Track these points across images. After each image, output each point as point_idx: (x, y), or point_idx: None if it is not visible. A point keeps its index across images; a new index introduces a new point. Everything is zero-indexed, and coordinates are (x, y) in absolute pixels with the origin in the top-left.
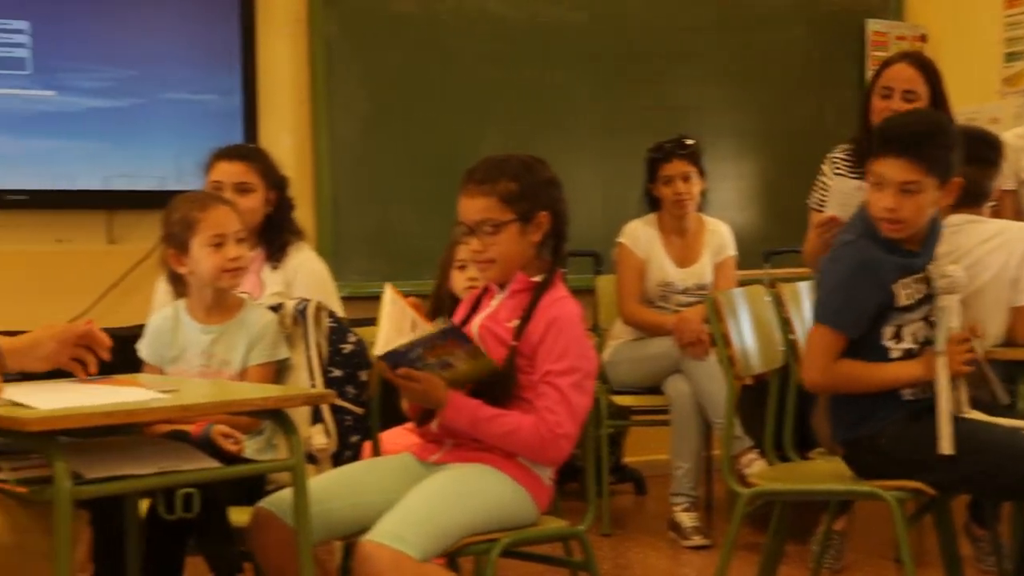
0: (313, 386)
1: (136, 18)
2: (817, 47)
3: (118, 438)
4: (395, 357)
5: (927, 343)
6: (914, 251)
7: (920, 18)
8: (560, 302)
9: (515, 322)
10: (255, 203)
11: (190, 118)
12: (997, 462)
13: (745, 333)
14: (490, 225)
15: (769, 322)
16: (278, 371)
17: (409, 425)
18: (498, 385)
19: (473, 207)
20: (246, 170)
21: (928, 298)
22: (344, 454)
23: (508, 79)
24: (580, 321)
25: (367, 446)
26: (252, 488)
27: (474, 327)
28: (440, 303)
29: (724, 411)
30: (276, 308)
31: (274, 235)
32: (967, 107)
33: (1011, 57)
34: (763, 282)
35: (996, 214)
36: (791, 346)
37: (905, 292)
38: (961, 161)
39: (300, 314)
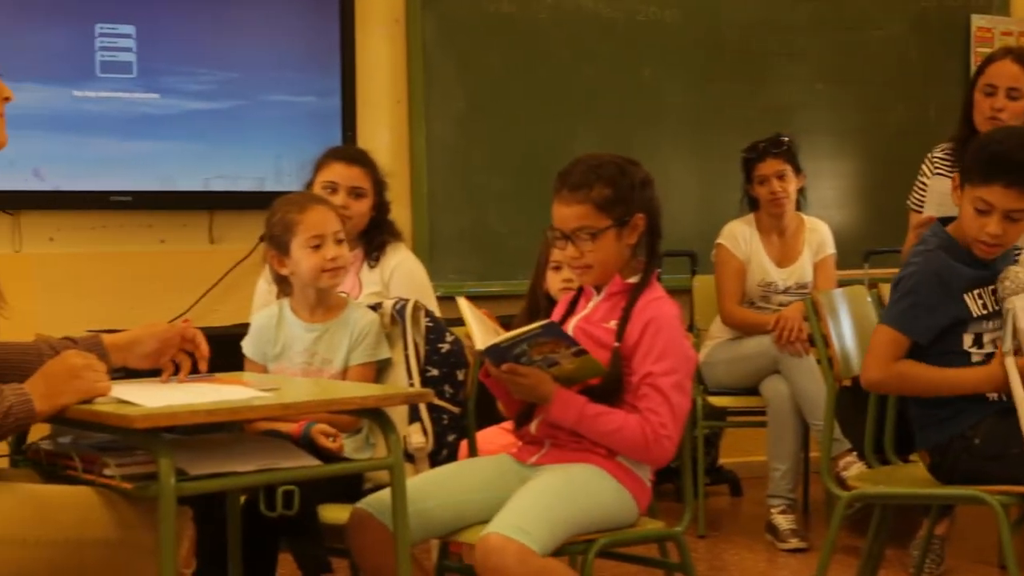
0: (411, 385)
1: (237, 22)
2: (919, 43)
3: (220, 435)
4: (498, 352)
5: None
6: (988, 263)
7: None
8: (657, 302)
9: (613, 323)
10: (365, 207)
11: (289, 119)
12: None
13: (845, 334)
14: (587, 232)
15: (869, 322)
16: (379, 371)
17: (505, 425)
18: (607, 387)
19: (568, 215)
20: (362, 174)
21: None
22: (441, 453)
23: (603, 78)
24: (678, 321)
25: (463, 445)
26: (350, 487)
27: (569, 329)
28: (535, 304)
29: (823, 413)
30: (375, 308)
31: (373, 236)
32: None
33: None
34: (863, 282)
35: None
36: None
37: (979, 303)
38: None
39: (398, 313)
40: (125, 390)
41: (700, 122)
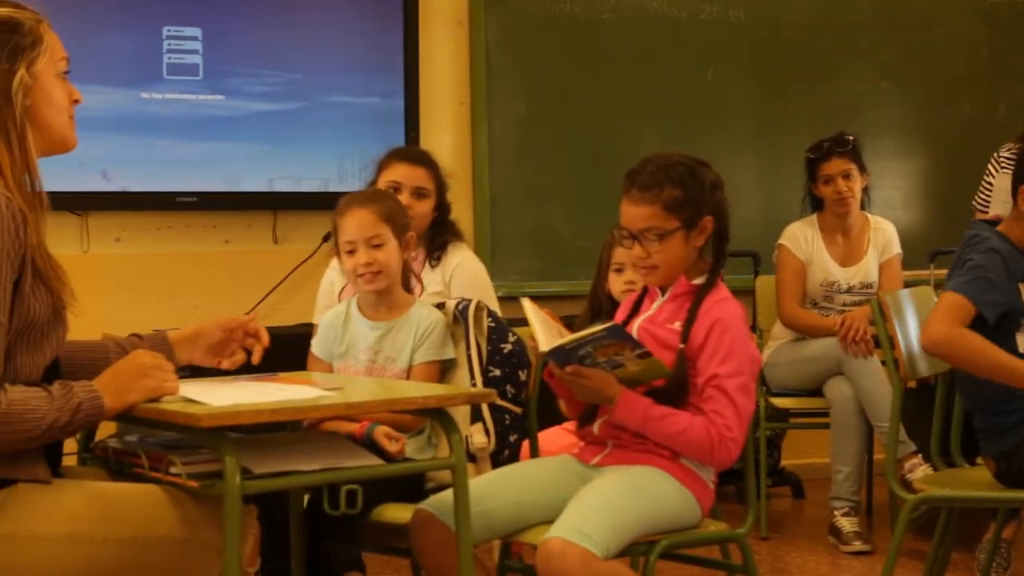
0: (473, 385)
1: (301, 24)
2: (987, 40)
3: (284, 434)
4: (563, 354)
5: None
6: None
7: None
8: (722, 303)
9: (678, 324)
10: (428, 208)
11: (353, 120)
12: None
13: (912, 335)
14: (655, 233)
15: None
16: (443, 371)
17: (567, 425)
18: (672, 388)
19: (637, 214)
20: (425, 175)
21: None
22: (503, 453)
23: (666, 78)
24: (743, 322)
25: (525, 446)
26: (412, 487)
27: (633, 330)
28: (597, 305)
29: (888, 414)
30: (437, 308)
31: (435, 236)
32: None
33: None
34: (929, 283)
35: None
36: None
37: None
38: None
39: (460, 313)
40: (191, 389)
41: (763, 122)
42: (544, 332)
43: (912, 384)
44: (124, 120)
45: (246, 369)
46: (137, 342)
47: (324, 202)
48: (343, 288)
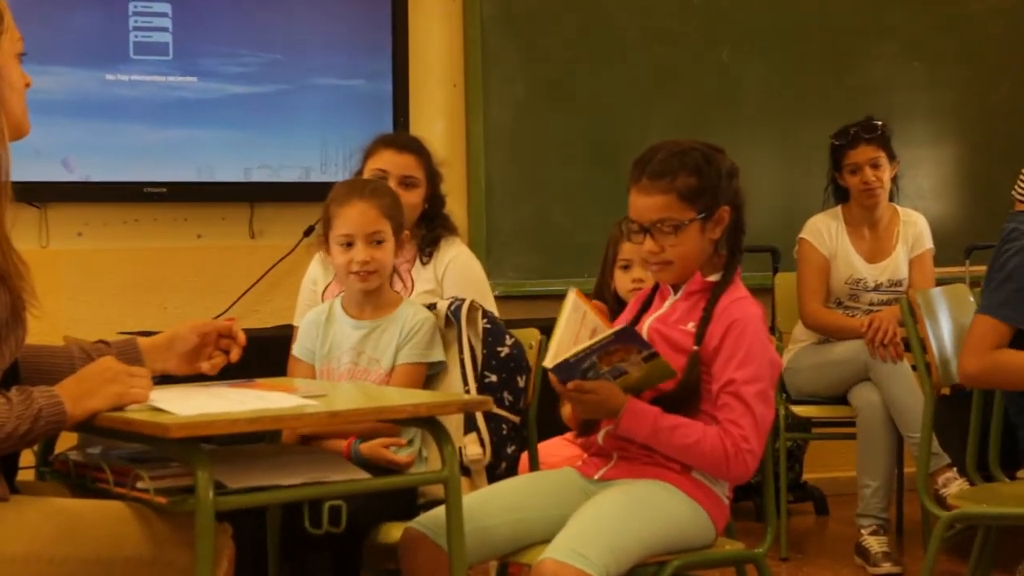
0: (467, 392)
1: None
2: None
3: (262, 446)
4: (566, 370)
5: None
6: None
7: None
8: (740, 303)
9: (691, 325)
10: (417, 199)
11: (337, 104)
12: None
13: (945, 337)
14: (669, 225)
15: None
16: (431, 376)
17: (569, 435)
18: (682, 394)
19: (649, 205)
20: (414, 163)
21: None
22: (499, 466)
23: (678, 59)
24: (762, 323)
25: (524, 458)
26: (402, 503)
27: (643, 329)
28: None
29: (919, 424)
30: (428, 308)
31: (426, 230)
32: None
33: None
34: (964, 280)
35: None
36: None
37: None
38: None
39: (453, 314)
40: (161, 396)
41: (783, 106)
42: (563, 337)
43: (946, 391)
44: (87, 104)
45: (224, 372)
46: (104, 349)
47: (305, 193)
48: (327, 287)
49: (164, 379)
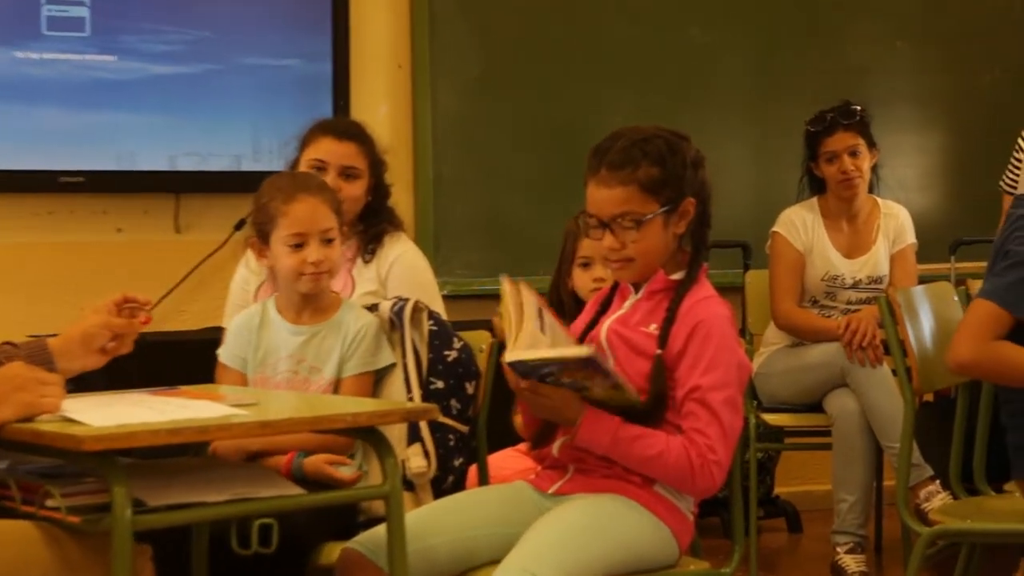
0: (411, 399)
1: None
2: None
3: (186, 460)
4: (524, 369)
5: None
6: None
7: None
8: (705, 303)
9: (654, 327)
10: (359, 191)
11: (271, 87)
12: None
13: (927, 339)
14: (630, 219)
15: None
16: (378, 381)
17: (522, 447)
18: (651, 405)
19: (609, 198)
20: (356, 152)
21: None
22: (446, 480)
23: (643, 38)
24: (730, 325)
25: (472, 471)
26: (340, 521)
27: (602, 331)
28: (559, 306)
29: (899, 433)
30: (370, 310)
31: (369, 225)
32: None
33: None
34: (949, 278)
35: None
36: None
37: None
38: None
39: (396, 315)
40: (74, 405)
41: (756, 90)
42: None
43: (928, 397)
44: None
45: (145, 379)
46: (11, 351)
47: (236, 184)
48: (259, 287)
49: (80, 387)
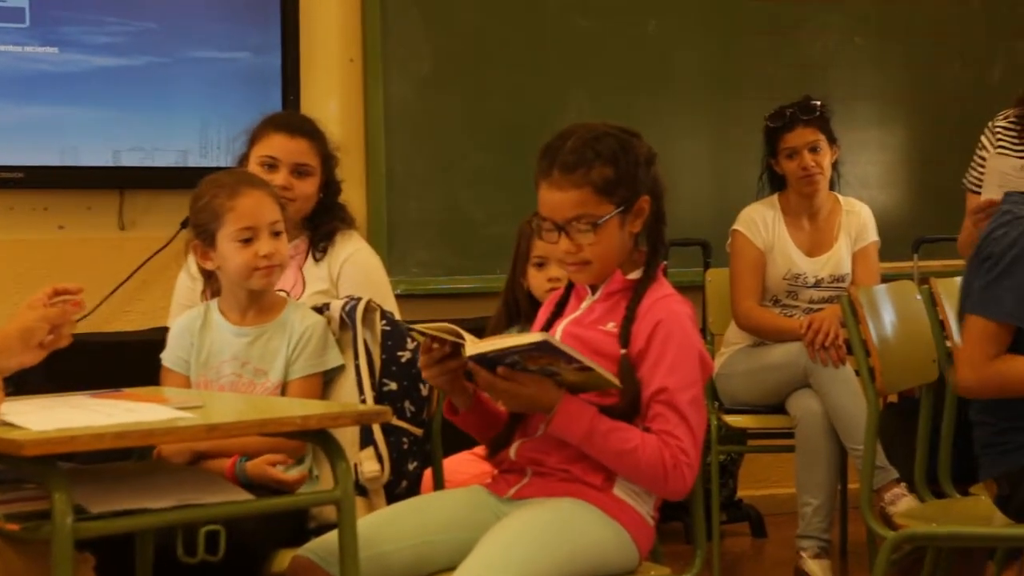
0: (363, 402)
1: None
2: None
3: (129, 465)
4: (486, 362)
5: None
6: None
7: None
8: (666, 301)
9: (611, 325)
10: (312, 188)
11: (219, 80)
12: None
13: (890, 339)
14: (586, 222)
15: (920, 325)
16: (327, 383)
17: (478, 450)
18: (625, 406)
19: (563, 202)
20: (308, 149)
21: None
22: (400, 485)
23: (599, 31)
24: (691, 323)
25: (427, 475)
26: (290, 527)
27: (557, 333)
28: (514, 306)
29: (863, 435)
30: (321, 309)
31: (320, 223)
32: None
33: None
34: (912, 276)
35: None
36: (947, 355)
37: None
38: None
39: (348, 315)
40: (13, 409)
41: (715, 84)
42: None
43: (892, 398)
44: None
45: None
46: None
47: (182, 180)
48: (205, 287)
49: (20, 389)
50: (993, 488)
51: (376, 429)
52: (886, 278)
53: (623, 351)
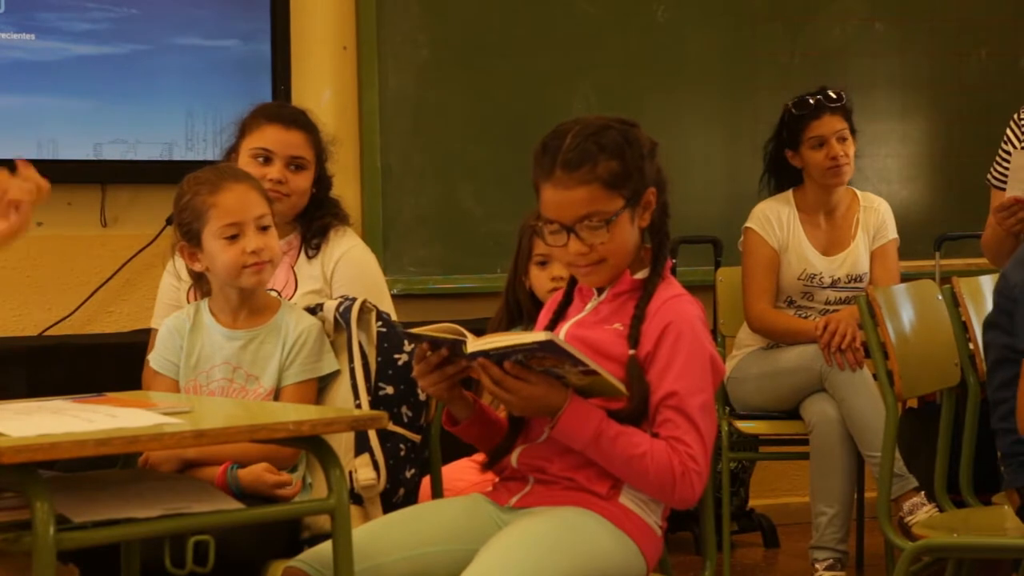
0: (358, 407)
1: None
2: None
3: (114, 472)
4: (490, 360)
5: None
6: None
7: None
8: (675, 302)
9: (618, 325)
10: (307, 183)
11: (205, 69)
12: None
13: (910, 341)
14: (598, 220)
15: (941, 327)
16: (322, 388)
17: (478, 457)
18: (634, 410)
19: (572, 201)
20: (304, 142)
21: None
22: (397, 493)
23: (606, 19)
24: (702, 325)
25: (425, 483)
26: (284, 538)
27: (561, 335)
28: (515, 306)
29: (881, 442)
30: (314, 310)
31: (312, 219)
32: None
33: None
34: (934, 275)
35: None
36: (970, 359)
37: None
38: None
39: (342, 316)
40: None
41: (727, 74)
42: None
43: (912, 403)
44: None
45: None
46: None
47: (167, 174)
48: (191, 288)
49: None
50: (1015, 498)
51: (372, 435)
52: (906, 277)
53: (631, 352)
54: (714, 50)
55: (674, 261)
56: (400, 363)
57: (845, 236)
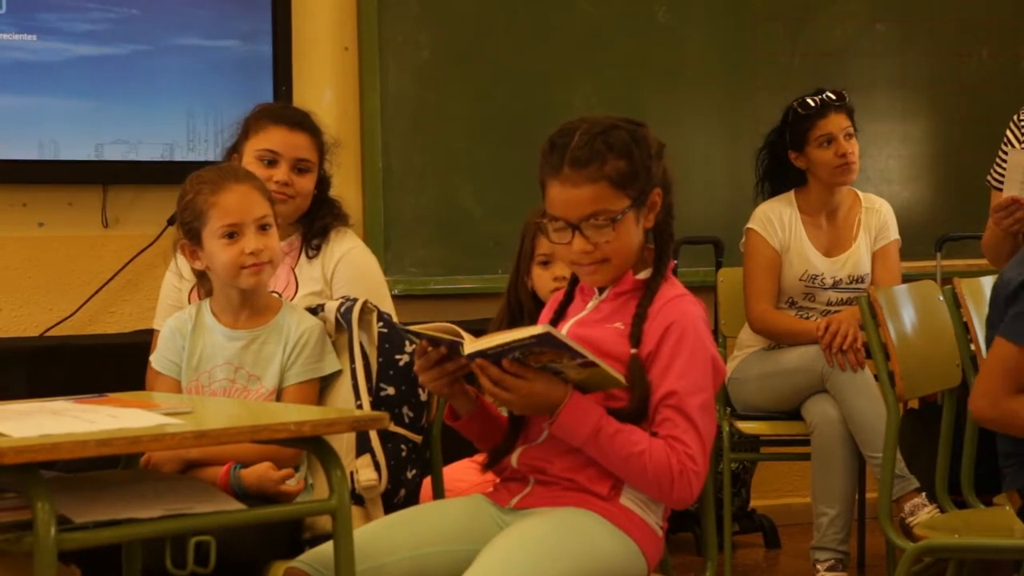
0: (359, 407)
1: None
2: None
3: (115, 473)
4: (488, 360)
5: None
6: None
7: None
8: (677, 301)
9: (620, 324)
10: (311, 185)
11: (206, 70)
12: None
13: (911, 341)
14: (604, 218)
15: (942, 328)
16: (323, 389)
17: (479, 457)
18: (634, 409)
19: (579, 199)
20: (308, 144)
21: None
22: (398, 494)
23: (608, 20)
24: (704, 325)
25: (426, 484)
26: (285, 538)
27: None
28: (516, 306)
29: (882, 442)
30: (315, 311)
31: (313, 219)
32: None
33: None
34: (935, 276)
35: None
36: (971, 359)
37: None
38: None
39: (344, 316)
40: None
41: (727, 74)
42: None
43: (913, 404)
44: None
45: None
46: None
47: (168, 175)
48: (193, 287)
49: None
50: (1016, 499)
51: (373, 436)
52: (907, 278)
53: (633, 351)
54: (714, 50)
55: (675, 262)
56: (401, 364)
57: (847, 237)
